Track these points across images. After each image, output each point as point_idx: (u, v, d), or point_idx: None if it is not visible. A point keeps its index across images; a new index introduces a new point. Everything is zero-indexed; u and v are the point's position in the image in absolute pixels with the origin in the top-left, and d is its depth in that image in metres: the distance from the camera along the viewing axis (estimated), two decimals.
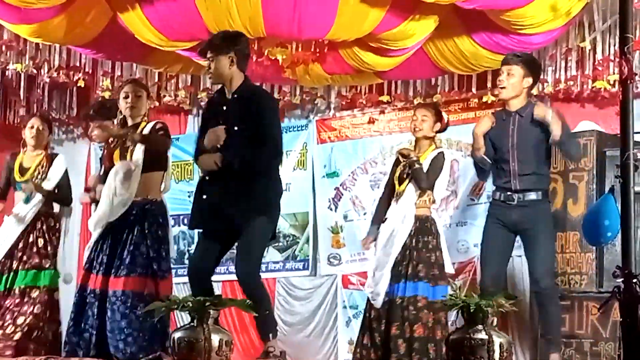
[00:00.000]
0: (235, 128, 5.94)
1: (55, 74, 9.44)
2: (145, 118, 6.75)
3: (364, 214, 9.28)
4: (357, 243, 9.25)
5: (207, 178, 6.03)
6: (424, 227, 7.13)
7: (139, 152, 6.56)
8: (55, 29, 7.58)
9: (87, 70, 9.58)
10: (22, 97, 10.01)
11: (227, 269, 9.34)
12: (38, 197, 7.55)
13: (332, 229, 9.42)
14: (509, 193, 6.62)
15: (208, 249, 6.11)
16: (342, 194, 9.42)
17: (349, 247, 9.32)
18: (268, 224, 6.01)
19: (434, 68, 8.30)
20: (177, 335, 5.13)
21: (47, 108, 10.14)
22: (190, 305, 5.16)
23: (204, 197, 6.01)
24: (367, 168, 9.35)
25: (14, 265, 7.53)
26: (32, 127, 7.80)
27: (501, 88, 6.75)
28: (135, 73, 9.68)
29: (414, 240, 7.09)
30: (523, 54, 6.85)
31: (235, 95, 6.05)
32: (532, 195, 6.57)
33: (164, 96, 9.81)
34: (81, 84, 9.61)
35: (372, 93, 9.29)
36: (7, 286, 7.52)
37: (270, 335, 6.00)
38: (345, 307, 9.23)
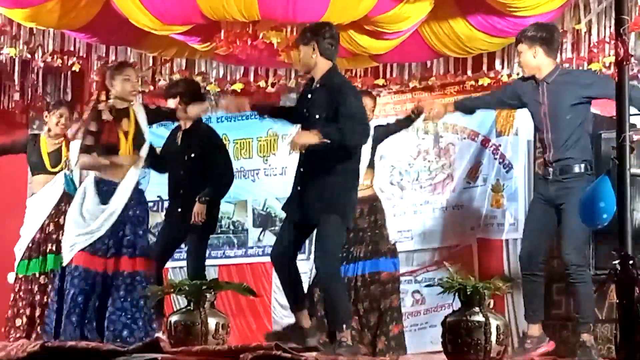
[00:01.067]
0: (317, 116, 6.13)
1: (49, 59, 9.40)
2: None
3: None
4: None
5: (301, 170, 6.26)
6: (373, 206, 7.49)
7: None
8: (49, 13, 7.55)
9: (81, 54, 9.54)
10: (16, 82, 9.98)
11: (224, 253, 9.39)
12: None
13: None
14: (546, 167, 6.44)
15: (290, 235, 6.36)
16: None
17: None
18: (341, 222, 6.19)
19: (429, 51, 8.28)
20: (173, 318, 5.15)
21: (42, 93, 10.12)
22: (187, 289, 5.17)
23: (298, 187, 6.27)
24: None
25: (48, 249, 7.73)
26: (60, 116, 7.94)
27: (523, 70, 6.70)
28: (130, 57, 9.65)
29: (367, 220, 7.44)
30: (528, 28, 6.59)
31: (318, 85, 6.26)
32: (571, 168, 6.36)
33: (159, 80, 9.78)
34: (75, 68, 9.57)
35: (367, 76, 9.27)
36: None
37: (344, 326, 6.08)
38: None
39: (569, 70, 7.16)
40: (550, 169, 6.41)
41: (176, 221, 7.42)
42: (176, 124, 7.59)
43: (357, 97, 6.30)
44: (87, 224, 6.52)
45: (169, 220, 7.59)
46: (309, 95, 6.32)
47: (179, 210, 7.37)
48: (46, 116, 8.20)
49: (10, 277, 7.85)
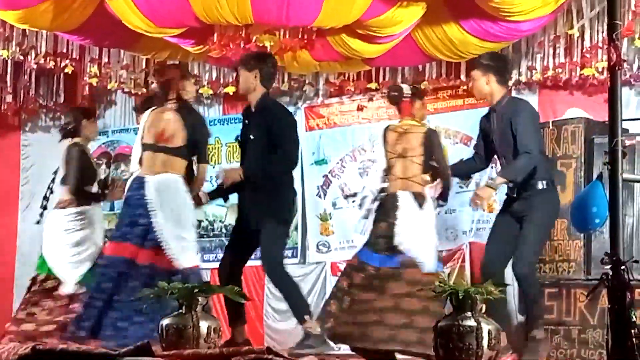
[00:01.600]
0: (252, 137, 6.63)
1: (42, 61, 9.41)
2: None
3: (353, 201, 9.26)
4: (345, 230, 9.26)
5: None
6: None
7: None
8: (42, 15, 7.54)
9: (74, 56, 9.55)
10: (8, 84, 9.97)
11: (216, 257, 9.38)
12: None
13: (320, 216, 9.42)
14: (508, 185, 6.56)
15: (237, 250, 6.82)
16: (331, 182, 9.41)
17: (337, 235, 9.32)
18: (283, 226, 6.74)
19: (422, 55, 8.29)
20: (165, 322, 5.12)
21: (34, 94, 10.11)
22: (178, 292, 5.16)
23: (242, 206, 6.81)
24: (356, 155, 9.35)
25: None
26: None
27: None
28: (123, 59, 9.66)
29: None
30: (483, 56, 6.84)
31: (254, 110, 6.70)
32: (532, 186, 6.48)
33: (152, 83, 9.76)
34: (68, 70, 9.58)
35: (360, 80, 9.29)
36: None
37: (306, 316, 6.38)
38: None
39: (517, 99, 7.22)
40: (513, 187, 6.54)
41: None
42: None
43: (287, 120, 6.82)
44: None
45: None
46: (247, 121, 6.80)
47: None
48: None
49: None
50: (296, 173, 9.30)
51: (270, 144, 6.54)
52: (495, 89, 6.59)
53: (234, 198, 6.99)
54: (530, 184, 6.48)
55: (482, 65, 6.63)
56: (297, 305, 6.56)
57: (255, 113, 6.69)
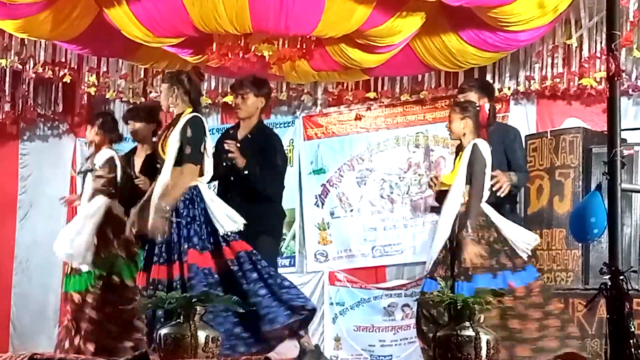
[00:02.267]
0: (245, 170, 6.62)
1: (40, 70, 9.41)
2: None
3: (351, 210, 9.27)
4: (343, 240, 9.26)
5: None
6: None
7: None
8: (41, 25, 7.53)
9: (72, 66, 9.55)
10: (7, 93, 9.97)
11: None
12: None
13: (318, 225, 9.42)
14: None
15: None
16: (329, 191, 9.41)
17: (335, 244, 9.32)
18: (274, 243, 6.86)
19: (421, 65, 8.29)
20: (163, 331, 5.12)
21: (33, 104, 10.10)
22: (177, 302, 5.15)
23: None
24: (354, 165, 9.35)
25: None
26: None
27: None
28: (121, 69, 9.66)
29: None
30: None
31: (250, 135, 6.84)
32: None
33: (150, 92, 9.78)
34: (67, 79, 9.57)
35: (358, 89, 9.29)
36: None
37: (301, 332, 6.19)
38: (332, 303, 9.23)
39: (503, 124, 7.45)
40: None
41: None
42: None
43: (279, 144, 7.07)
44: None
45: None
46: (238, 144, 6.72)
47: None
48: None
49: None
50: (294, 181, 9.41)
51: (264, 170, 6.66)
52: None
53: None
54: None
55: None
56: None
57: (252, 138, 6.81)
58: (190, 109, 6.38)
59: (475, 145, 6.46)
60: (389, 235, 9.03)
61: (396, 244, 9.07)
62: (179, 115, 6.38)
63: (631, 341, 4.55)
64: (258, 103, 6.86)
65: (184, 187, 6.16)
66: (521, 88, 8.54)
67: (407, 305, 8.81)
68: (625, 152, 5.37)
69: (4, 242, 10.43)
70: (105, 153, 7.41)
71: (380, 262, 9.17)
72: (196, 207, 6.15)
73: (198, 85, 6.62)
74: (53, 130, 10.54)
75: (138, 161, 7.46)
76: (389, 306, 9.01)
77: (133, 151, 7.64)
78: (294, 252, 9.48)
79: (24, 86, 9.98)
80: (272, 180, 6.79)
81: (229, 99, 9.48)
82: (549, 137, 7.66)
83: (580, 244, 7.18)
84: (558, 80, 8.35)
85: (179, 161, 6.20)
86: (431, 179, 6.91)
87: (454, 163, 6.70)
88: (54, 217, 9.77)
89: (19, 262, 10.35)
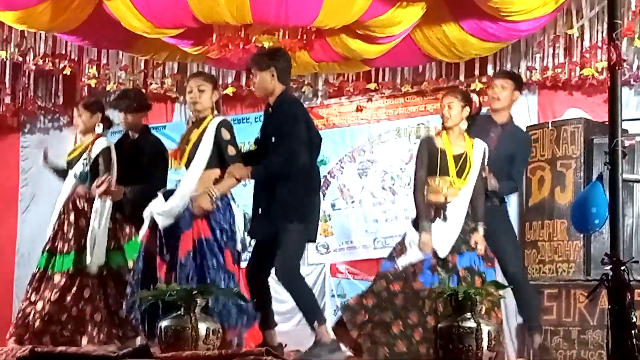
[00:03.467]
0: (273, 139, 6.25)
1: (40, 62, 9.40)
2: (212, 113, 6.39)
3: (352, 202, 9.26)
4: (345, 231, 9.25)
5: (259, 191, 6.36)
6: None
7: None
8: (41, 16, 7.52)
9: (72, 57, 9.54)
10: (7, 85, 9.96)
11: None
12: None
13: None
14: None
15: (257, 254, 6.45)
16: (330, 183, 9.40)
17: (337, 236, 9.31)
18: (301, 228, 6.24)
19: (422, 55, 8.28)
20: (163, 323, 5.11)
21: (33, 96, 10.09)
22: (177, 294, 5.15)
23: (258, 209, 6.36)
24: (355, 156, 9.34)
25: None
26: None
27: (495, 99, 6.90)
28: (122, 61, 9.65)
29: None
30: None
31: (271, 109, 6.37)
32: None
33: (151, 84, 9.78)
34: (67, 71, 9.57)
35: (359, 81, 9.28)
36: None
37: (315, 323, 6.11)
38: (333, 295, 9.23)
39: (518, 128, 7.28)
40: None
41: None
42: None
43: (305, 118, 6.39)
44: None
45: None
46: (265, 119, 6.47)
47: None
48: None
49: None
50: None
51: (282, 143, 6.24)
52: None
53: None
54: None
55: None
56: (311, 311, 6.28)
57: (273, 113, 6.38)
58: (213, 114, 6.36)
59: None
60: (391, 227, 9.01)
61: (398, 235, 9.03)
62: (202, 120, 6.33)
63: (633, 332, 4.54)
64: (268, 77, 6.30)
65: (232, 185, 6.23)
66: (522, 78, 8.52)
67: None
68: (627, 143, 5.34)
69: (5, 235, 10.43)
70: (101, 142, 7.24)
71: (381, 254, 9.13)
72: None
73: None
74: (54, 123, 10.54)
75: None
76: None
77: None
78: None
79: (24, 78, 9.99)
80: (278, 156, 6.27)
81: (229, 90, 9.47)
82: (550, 127, 7.65)
83: (581, 235, 7.18)
84: (559, 70, 8.33)
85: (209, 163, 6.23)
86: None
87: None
88: (55, 210, 9.75)
89: (20, 255, 10.35)
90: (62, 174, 7.46)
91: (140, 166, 7.18)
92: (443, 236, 6.21)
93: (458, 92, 6.64)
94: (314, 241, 6.79)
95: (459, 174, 6.29)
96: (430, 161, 6.33)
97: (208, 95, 6.34)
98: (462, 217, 6.26)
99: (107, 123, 7.46)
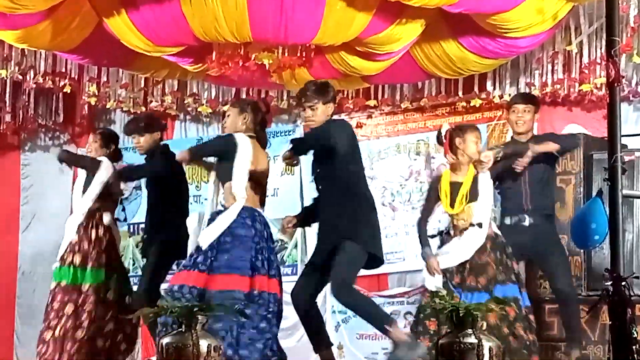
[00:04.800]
0: (318, 170, 6.36)
1: (41, 80, 9.43)
2: None
3: None
4: None
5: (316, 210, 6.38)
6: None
7: None
8: (41, 35, 7.54)
9: (73, 76, 9.57)
10: (7, 103, 9.98)
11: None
12: None
13: None
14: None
15: (309, 274, 6.51)
16: None
17: None
18: (357, 247, 6.14)
19: (421, 72, 8.29)
20: (165, 340, 5.11)
21: (33, 114, 10.11)
22: (178, 311, 5.15)
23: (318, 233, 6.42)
24: None
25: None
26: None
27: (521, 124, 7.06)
28: (122, 79, 9.67)
29: None
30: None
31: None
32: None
33: (151, 101, 9.80)
34: (67, 89, 9.59)
35: (359, 97, 9.29)
36: None
37: (385, 327, 6.07)
38: (334, 311, 9.21)
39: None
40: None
41: None
42: None
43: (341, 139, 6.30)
44: None
45: None
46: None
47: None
48: None
49: None
50: (295, 190, 9.40)
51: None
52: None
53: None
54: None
55: (532, 103, 7.05)
56: (376, 318, 6.22)
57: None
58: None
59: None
60: (391, 243, 9.00)
61: (398, 251, 9.04)
62: None
63: (634, 347, 4.54)
64: (328, 110, 6.43)
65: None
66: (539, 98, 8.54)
67: (409, 313, 8.78)
68: (626, 158, 5.36)
69: (7, 252, 10.44)
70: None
71: (382, 270, 9.13)
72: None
73: (265, 116, 6.70)
74: (54, 141, 10.56)
75: None
76: (391, 314, 8.99)
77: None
78: (296, 261, 9.47)
79: (24, 97, 10.01)
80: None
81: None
82: None
83: (582, 250, 7.18)
84: (558, 86, 8.35)
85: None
86: None
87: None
88: (56, 228, 9.76)
89: (22, 273, 10.36)
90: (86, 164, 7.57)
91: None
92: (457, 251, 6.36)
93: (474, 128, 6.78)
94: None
95: (452, 204, 6.45)
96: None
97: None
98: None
99: (118, 156, 7.67)
